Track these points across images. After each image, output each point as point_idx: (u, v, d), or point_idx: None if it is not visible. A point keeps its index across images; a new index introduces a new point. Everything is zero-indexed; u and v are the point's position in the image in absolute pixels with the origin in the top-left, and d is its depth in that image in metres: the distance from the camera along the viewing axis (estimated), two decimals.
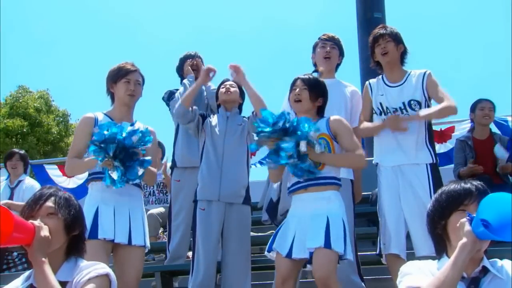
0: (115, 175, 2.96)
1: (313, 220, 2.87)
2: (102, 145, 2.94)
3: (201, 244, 3.58)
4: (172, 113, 4.61)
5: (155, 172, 3.36)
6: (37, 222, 1.96)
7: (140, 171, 3.03)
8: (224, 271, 3.62)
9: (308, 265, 2.94)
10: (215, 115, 3.86)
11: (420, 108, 3.41)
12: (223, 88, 3.82)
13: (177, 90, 4.58)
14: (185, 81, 4.56)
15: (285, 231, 2.98)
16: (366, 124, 3.59)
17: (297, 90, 3.14)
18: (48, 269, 1.91)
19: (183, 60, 4.72)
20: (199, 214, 3.64)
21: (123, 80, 3.27)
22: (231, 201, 3.61)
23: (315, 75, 3.30)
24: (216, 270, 3.72)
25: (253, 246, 4.63)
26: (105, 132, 2.94)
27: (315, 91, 3.14)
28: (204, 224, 3.60)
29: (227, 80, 3.85)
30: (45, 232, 1.95)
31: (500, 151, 4.66)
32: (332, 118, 3.10)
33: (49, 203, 2.05)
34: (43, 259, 1.92)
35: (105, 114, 3.30)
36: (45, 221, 2.00)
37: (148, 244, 3.20)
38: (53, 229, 2.00)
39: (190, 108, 3.68)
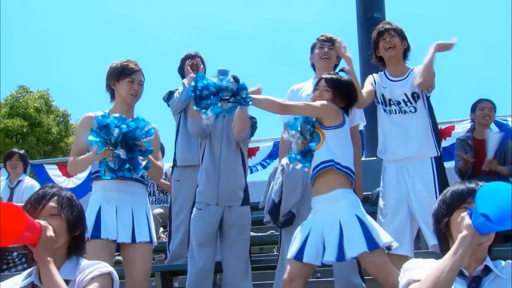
0: (114, 164, 2.92)
1: (326, 227, 2.80)
2: (103, 131, 2.90)
3: (195, 241, 3.58)
4: (173, 112, 4.64)
5: (161, 167, 3.33)
6: (43, 222, 1.96)
7: (143, 162, 3.00)
8: (224, 272, 3.62)
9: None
10: None
11: (419, 98, 3.42)
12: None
13: (177, 90, 4.60)
14: (184, 80, 4.58)
15: (296, 235, 2.93)
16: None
17: (318, 92, 3.07)
18: (53, 268, 1.92)
19: (184, 60, 4.73)
20: (196, 213, 3.64)
21: (127, 80, 3.26)
22: (230, 204, 3.62)
23: (342, 74, 3.17)
24: (217, 270, 3.72)
25: (253, 246, 4.64)
26: (107, 120, 2.91)
27: (339, 92, 3.04)
28: (200, 222, 3.60)
29: None
30: (50, 232, 1.96)
31: (493, 138, 4.60)
32: None
33: (52, 203, 2.04)
34: (49, 258, 1.92)
35: (106, 113, 3.29)
36: (48, 221, 1.99)
37: (154, 239, 3.16)
38: (56, 230, 2.00)
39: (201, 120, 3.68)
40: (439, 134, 3.49)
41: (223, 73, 2.74)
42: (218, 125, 3.72)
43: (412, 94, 3.43)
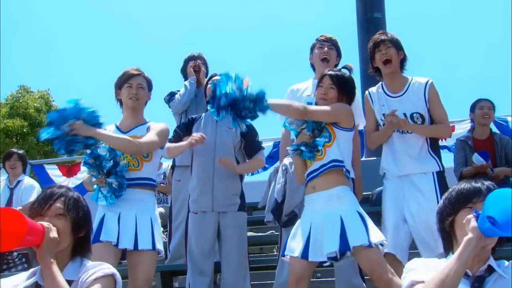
0: (106, 191, 3.05)
1: (327, 221, 2.79)
2: (97, 162, 3.06)
3: (197, 249, 3.55)
4: (173, 114, 4.64)
5: (133, 141, 3.07)
6: (46, 224, 1.96)
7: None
8: (222, 273, 3.61)
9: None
10: (202, 116, 3.74)
11: (423, 120, 3.34)
12: (211, 83, 3.72)
13: (178, 91, 4.61)
14: (185, 82, 4.60)
15: (295, 233, 2.91)
16: (374, 134, 3.49)
17: (323, 89, 3.03)
18: (56, 270, 1.92)
19: (187, 62, 4.76)
20: (192, 218, 3.61)
21: (126, 85, 3.30)
22: (226, 210, 3.58)
23: (345, 71, 3.13)
24: (217, 270, 3.71)
25: (253, 246, 4.64)
26: (99, 150, 3.06)
27: (343, 89, 3.02)
28: (198, 232, 3.57)
29: (216, 75, 3.67)
30: (54, 233, 1.96)
31: (477, 159, 4.62)
32: None
33: (59, 204, 2.05)
34: (52, 260, 1.92)
35: (116, 125, 3.32)
36: (53, 221, 2.00)
37: (158, 247, 3.12)
38: (61, 230, 2.00)
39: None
40: (438, 153, 3.41)
41: (238, 80, 2.69)
42: (210, 127, 3.65)
43: (412, 114, 3.34)
